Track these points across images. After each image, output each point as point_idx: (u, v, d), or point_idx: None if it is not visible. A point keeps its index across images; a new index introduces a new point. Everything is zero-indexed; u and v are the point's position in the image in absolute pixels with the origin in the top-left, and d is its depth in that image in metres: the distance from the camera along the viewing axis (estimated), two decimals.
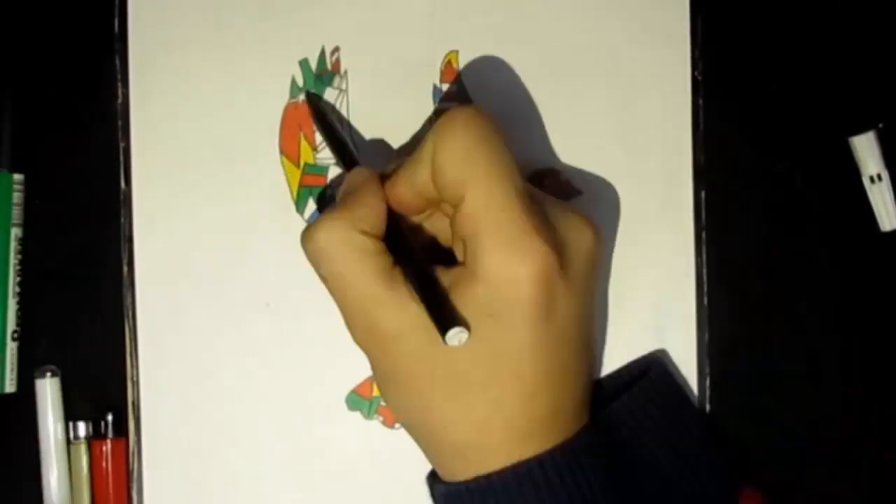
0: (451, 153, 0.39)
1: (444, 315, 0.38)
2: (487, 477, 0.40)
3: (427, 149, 0.40)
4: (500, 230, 0.38)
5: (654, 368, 0.47)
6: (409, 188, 0.41)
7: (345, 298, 0.41)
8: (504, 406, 0.40)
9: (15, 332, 0.47)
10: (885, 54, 0.48)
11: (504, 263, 0.38)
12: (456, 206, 0.40)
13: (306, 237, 0.41)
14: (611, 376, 0.48)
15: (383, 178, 0.42)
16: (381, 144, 0.47)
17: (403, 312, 0.39)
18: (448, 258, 0.42)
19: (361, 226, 0.40)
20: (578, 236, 0.41)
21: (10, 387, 0.47)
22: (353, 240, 0.40)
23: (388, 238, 0.41)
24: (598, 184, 0.48)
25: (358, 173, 0.43)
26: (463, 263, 0.40)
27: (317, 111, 0.46)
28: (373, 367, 0.42)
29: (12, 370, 0.47)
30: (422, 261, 0.40)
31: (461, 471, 0.41)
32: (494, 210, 0.39)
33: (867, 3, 0.48)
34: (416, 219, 0.43)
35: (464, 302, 0.39)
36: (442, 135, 0.40)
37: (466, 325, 0.38)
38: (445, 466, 0.42)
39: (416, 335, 0.40)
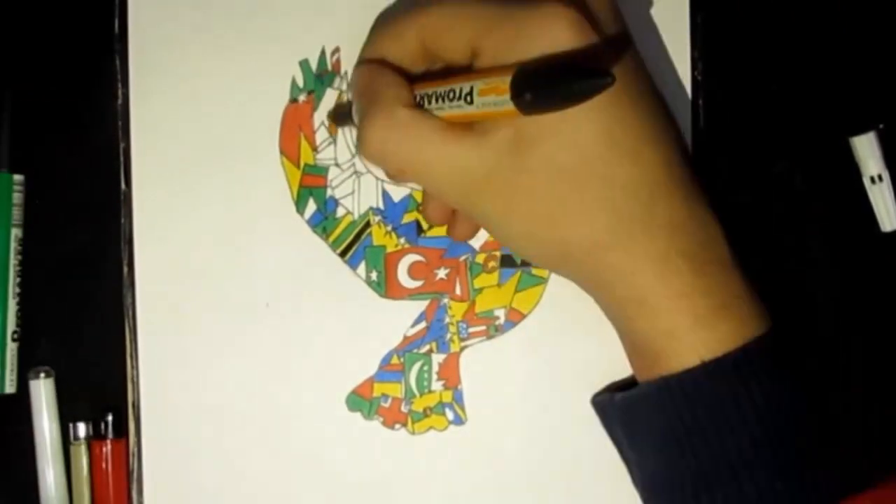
0: (440, 29, 0.41)
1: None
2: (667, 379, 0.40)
3: (409, 34, 0.42)
4: (515, 18, 0.38)
5: None
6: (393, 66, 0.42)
7: (428, 172, 0.41)
8: (614, 177, 0.39)
9: (15, 332, 0.46)
10: (885, 54, 0.48)
11: (537, 42, 0.38)
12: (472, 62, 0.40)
13: (362, 146, 0.41)
14: None
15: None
16: None
17: (482, 146, 0.39)
18: None
19: (399, 102, 0.41)
20: None
21: (9, 387, 0.46)
22: (398, 120, 0.40)
23: None
24: None
25: (360, 70, 0.43)
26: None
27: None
28: (480, 219, 0.42)
29: (12, 371, 0.46)
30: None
31: (613, 276, 0.40)
32: (504, 26, 0.39)
33: (867, 3, 0.48)
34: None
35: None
36: (418, 15, 0.41)
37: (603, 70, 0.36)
38: (597, 275, 0.41)
39: (504, 158, 0.39)
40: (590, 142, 0.39)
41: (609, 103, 0.38)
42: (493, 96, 0.38)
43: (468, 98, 0.39)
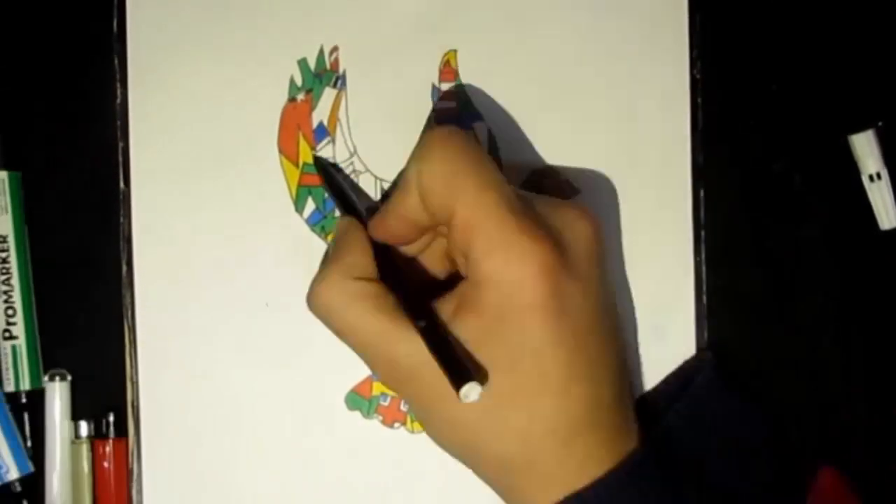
0: (435, 174, 0.40)
1: (455, 370, 0.38)
2: None
3: (411, 176, 0.41)
4: (493, 235, 0.39)
5: (704, 372, 0.46)
6: (399, 219, 0.42)
7: (360, 346, 0.41)
8: (538, 411, 0.39)
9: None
10: (885, 53, 0.48)
11: (504, 266, 0.39)
12: (449, 223, 0.40)
13: (310, 300, 0.42)
14: (656, 389, 0.47)
15: (371, 219, 0.43)
16: (379, 144, 0.47)
17: (417, 345, 0.39)
18: (451, 287, 0.42)
19: (354, 272, 0.41)
20: (575, 227, 0.41)
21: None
22: (349, 289, 0.41)
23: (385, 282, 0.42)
24: (597, 183, 0.48)
25: (341, 222, 0.44)
26: (466, 279, 0.40)
27: (326, 174, 0.47)
28: (409, 406, 0.42)
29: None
30: (424, 307, 0.40)
31: (520, 490, 0.41)
32: (485, 217, 0.39)
33: (867, 3, 0.48)
34: (414, 251, 0.44)
35: (474, 313, 0.39)
36: (422, 158, 0.40)
37: (481, 376, 0.38)
38: (506, 493, 0.42)
39: (434, 363, 0.39)
40: (521, 373, 0.39)
41: (550, 343, 0.39)
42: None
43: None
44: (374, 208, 0.44)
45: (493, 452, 0.40)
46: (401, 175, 0.42)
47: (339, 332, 0.42)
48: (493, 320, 0.39)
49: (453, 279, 0.43)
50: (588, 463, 0.40)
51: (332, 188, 0.46)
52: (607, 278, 0.42)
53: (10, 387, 0.46)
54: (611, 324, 0.42)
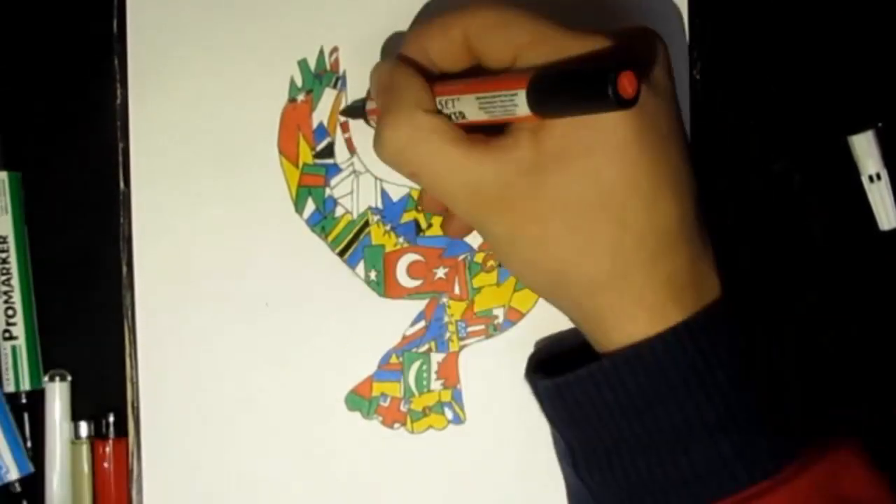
0: (487, 27, 0.40)
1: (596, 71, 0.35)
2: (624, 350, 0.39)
3: (453, 29, 0.40)
4: (564, 43, 0.38)
5: None
6: (425, 61, 0.41)
7: (441, 181, 0.40)
8: (628, 220, 0.38)
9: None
10: (885, 54, 0.48)
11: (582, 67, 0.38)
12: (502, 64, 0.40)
13: (378, 145, 0.40)
14: None
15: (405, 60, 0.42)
16: None
17: (500, 163, 0.39)
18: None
19: (420, 106, 0.40)
20: (646, 39, 0.40)
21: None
22: (421, 124, 0.40)
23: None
24: None
25: (384, 67, 0.42)
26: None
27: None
28: (488, 239, 0.41)
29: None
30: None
31: (608, 308, 0.40)
32: (551, 32, 0.39)
33: (867, 3, 0.48)
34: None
35: (555, 125, 0.38)
36: (467, 12, 0.40)
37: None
38: (593, 315, 0.40)
39: (520, 180, 0.39)
40: (610, 181, 0.38)
41: (637, 147, 0.38)
42: (510, 98, 0.37)
43: (488, 103, 0.39)
44: None
45: (583, 271, 0.39)
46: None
47: (416, 171, 0.40)
48: (577, 125, 0.38)
49: None
50: (673, 284, 0.39)
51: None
52: (675, 88, 0.41)
53: (9, 387, 0.46)
54: (684, 139, 0.41)
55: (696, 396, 0.39)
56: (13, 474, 0.46)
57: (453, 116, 0.40)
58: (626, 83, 0.34)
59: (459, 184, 0.39)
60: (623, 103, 0.34)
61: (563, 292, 0.41)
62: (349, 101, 0.48)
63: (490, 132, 0.39)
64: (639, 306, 0.39)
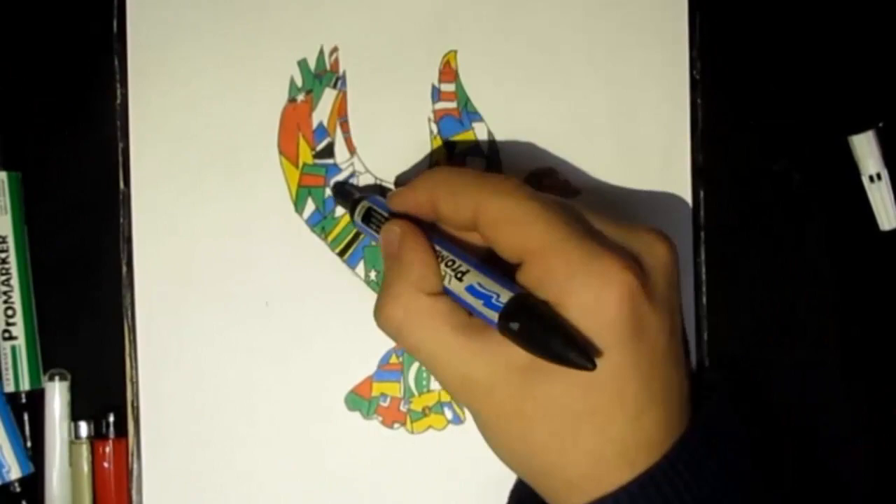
0: (503, 219, 0.39)
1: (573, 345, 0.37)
2: None
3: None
4: (573, 258, 0.38)
5: (713, 401, 0.44)
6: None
7: (434, 363, 0.40)
8: (612, 433, 0.39)
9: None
10: (885, 54, 0.48)
11: (586, 287, 0.38)
12: (525, 260, 0.39)
13: (378, 317, 0.41)
14: None
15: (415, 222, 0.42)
16: (379, 145, 0.47)
17: (493, 359, 0.39)
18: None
19: (424, 288, 0.40)
20: (654, 250, 0.40)
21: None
22: (421, 306, 0.40)
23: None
24: (596, 183, 0.48)
25: (390, 232, 0.42)
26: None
27: (344, 197, 0.47)
28: (475, 420, 0.42)
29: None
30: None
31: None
32: (562, 241, 0.38)
33: (867, 3, 0.48)
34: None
35: None
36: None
37: (591, 354, 0.37)
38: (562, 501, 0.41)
39: (511, 378, 0.39)
40: (597, 396, 0.38)
41: (631, 369, 0.38)
42: (482, 304, 0.38)
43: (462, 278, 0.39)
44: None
45: (562, 473, 0.40)
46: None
47: (412, 350, 0.41)
48: None
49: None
50: (652, 482, 0.39)
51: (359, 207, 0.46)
52: (680, 303, 0.42)
53: (9, 387, 0.46)
54: (682, 350, 0.41)
55: None
56: (14, 473, 0.46)
57: (450, 271, 0.40)
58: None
59: (452, 372, 0.40)
60: (587, 365, 0.36)
61: (541, 483, 0.41)
62: (348, 102, 0.47)
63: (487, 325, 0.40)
64: (612, 492, 0.39)
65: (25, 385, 0.46)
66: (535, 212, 0.39)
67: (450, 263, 0.40)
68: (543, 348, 0.37)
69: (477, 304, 0.39)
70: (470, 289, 0.39)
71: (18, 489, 0.46)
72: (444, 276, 0.40)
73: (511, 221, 0.39)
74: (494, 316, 0.38)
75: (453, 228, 0.42)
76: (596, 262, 0.38)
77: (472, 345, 0.39)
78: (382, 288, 0.41)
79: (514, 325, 0.37)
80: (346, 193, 0.47)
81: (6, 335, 0.46)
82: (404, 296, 0.40)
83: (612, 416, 0.39)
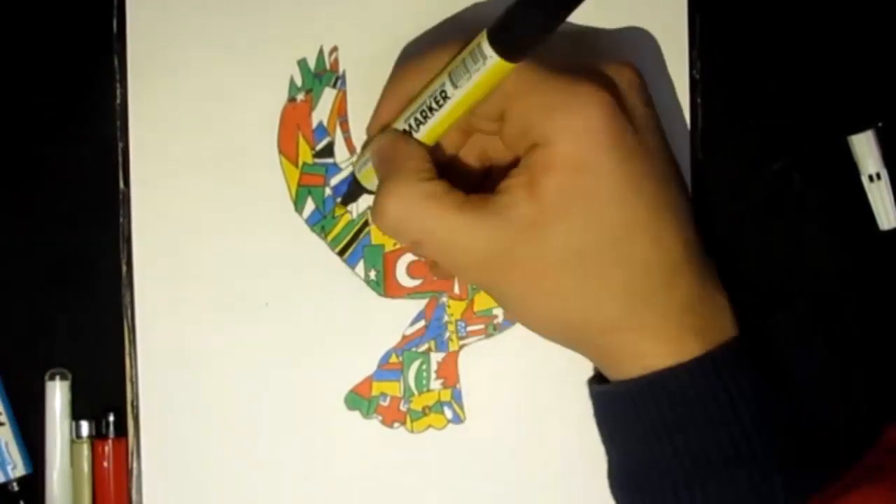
0: None
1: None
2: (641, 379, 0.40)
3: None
4: (549, 94, 0.39)
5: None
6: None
7: (445, 247, 0.40)
8: (636, 260, 0.39)
9: None
10: (885, 54, 0.48)
11: (571, 117, 0.38)
12: (495, 117, 0.40)
13: (377, 215, 0.41)
14: None
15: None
16: None
17: (503, 224, 0.39)
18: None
19: (420, 175, 0.40)
20: (620, 75, 0.41)
21: None
22: (421, 191, 0.40)
23: None
24: None
25: (383, 138, 0.43)
26: (531, 151, 0.40)
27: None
28: (504, 301, 0.42)
29: None
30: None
31: (630, 352, 0.40)
32: (536, 81, 0.39)
33: (867, 3, 0.48)
34: (450, 152, 0.44)
35: (550, 175, 0.39)
36: None
37: None
38: (614, 353, 0.41)
39: (525, 236, 0.39)
40: (611, 224, 0.39)
41: (634, 187, 0.39)
42: (473, 64, 0.38)
43: (447, 93, 0.39)
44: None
45: (599, 315, 0.40)
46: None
47: (419, 240, 0.41)
48: (572, 174, 0.38)
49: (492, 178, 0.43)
50: (687, 311, 0.40)
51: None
52: (660, 122, 0.42)
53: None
54: (676, 168, 0.42)
55: (715, 428, 0.39)
56: (18, 470, 0.46)
57: (429, 112, 0.40)
58: None
59: (463, 248, 0.40)
60: None
61: (581, 336, 0.41)
62: (348, 102, 0.47)
63: (487, 193, 0.40)
64: (657, 340, 0.40)
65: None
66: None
67: (431, 103, 0.41)
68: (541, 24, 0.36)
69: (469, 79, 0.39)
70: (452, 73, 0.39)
71: (17, 488, 0.46)
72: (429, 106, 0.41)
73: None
74: (485, 64, 0.38)
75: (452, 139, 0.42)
76: (571, 89, 0.39)
77: (478, 217, 0.39)
78: (378, 189, 0.41)
79: (507, 36, 0.37)
80: (352, 195, 0.47)
81: None
82: (402, 185, 0.40)
83: (630, 241, 0.39)
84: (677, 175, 0.42)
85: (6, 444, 0.46)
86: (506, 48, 0.37)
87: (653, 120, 0.41)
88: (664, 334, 0.40)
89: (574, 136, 0.38)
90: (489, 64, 0.38)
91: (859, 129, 0.48)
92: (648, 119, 0.41)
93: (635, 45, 0.48)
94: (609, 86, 0.39)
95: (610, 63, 0.41)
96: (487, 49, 0.38)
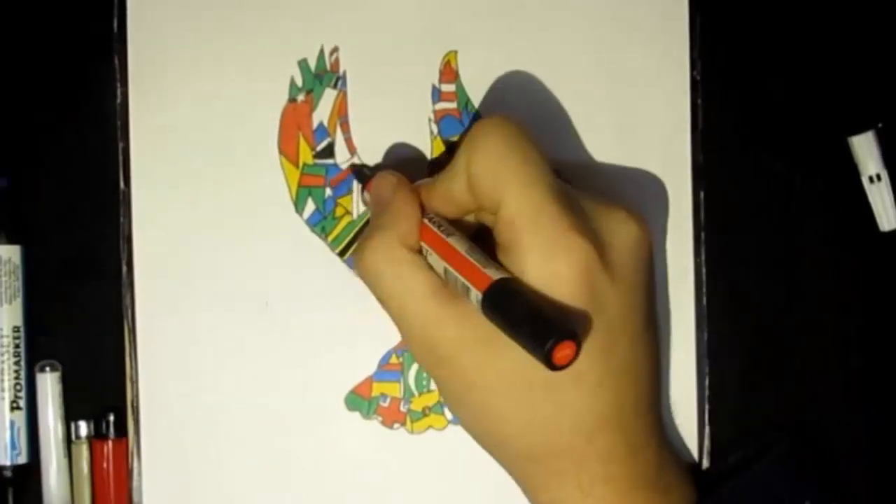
0: (486, 161, 0.40)
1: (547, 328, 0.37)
2: None
3: (461, 160, 0.41)
4: (538, 231, 0.39)
5: (773, 455, 0.45)
6: (446, 201, 0.42)
7: (403, 318, 0.41)
8: (567, 405, 0.40)
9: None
10: (885, 54, 0.48)
11: (544, 262, 0.39)
12: (495, 213, 0.40)
13: (357, 260, 0.42)
14: (719, 462, 0.47)
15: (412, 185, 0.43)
16: (380, 145, 0.47)
17: (463, 327, 0.40)
18: None
19: (407, 242, 0.41)
20: (621, 229, 0.41)
21: None
22: (404, 258, 0.41)
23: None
24: (597, 183, 0.48)
25: (385, 181, 0.43)
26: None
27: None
28: (439, 387, 0.43)
29: None
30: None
31: (539, 483, 0.41)
32: (531, 212, 0.39)
33: (867, 3, 0.48)
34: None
35: None
36: (475, 144, 0.40)
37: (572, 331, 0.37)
38: (528, 483, 0.42)
39: (476, 349, 0.40)
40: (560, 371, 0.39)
41: (589, 339, 0.39)
42: (467, 289, 0.39)
43: (452, 277, 0.40)
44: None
45: (519, 443, 0.41)
46: (452, 157, 0.42)
47: (385, 299, 0.41)
48: None
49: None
50: (610, 461, 0.41)
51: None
52: (652, 286, 0.42)
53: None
54: (649, 333, 0.42)
55: None
56: (22, 458, 0.46)
57: (428, 258, 0.41)
58: (562, 355, 0.36)
59: (420, 332, 0.41)
60: (553, 367, 0.36)
61: (501, 454, 0.42)
62: (349, 102, 0.47)
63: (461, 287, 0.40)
64: (568, 480, 0.41)
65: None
66: (513, 170, 0.40)
67: (441, 227, 0.41)
68: (520, 335, 0.37)
69: (457, 284, 0.39)
70: (448, 272, 0.40)
71: (10, 475, 0.46)
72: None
73: (489, 171, 0.40)
74: (477, 292, 0.38)
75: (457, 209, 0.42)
76: (558, 236, 0.39)
77: (442, 311, 0.40)
78: (367, 234, 0.42)
79: (496, 308, 0.38)
80: (363, 175, 0.47)
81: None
82: (384, 246, 0.41)
83: (568, 388, 0.39)
84: (641, 335, 0.41)
85: (18, 429, 0.46)
86: (488, 314, 0.38)
87: (637, 279, 0.41)
88: (575, 477, 0.41)
89: (539, 281, 0.39)
90: (472, 300, 0.39)
91: (860, 129, 0.48)
92: (630, 278, 0.40)
93: (636, 45, 0.48)
94: (596, 237, 0.39)
95: (618, 211, 0.41)
96: (475, 297, 0.39)
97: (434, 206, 0.42)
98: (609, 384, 0.40)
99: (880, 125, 0.48)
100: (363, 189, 0.46)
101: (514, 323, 0.37)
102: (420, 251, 0.42)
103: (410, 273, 0.41)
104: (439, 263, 0.41)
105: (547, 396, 0.40)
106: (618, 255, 0.40)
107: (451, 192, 0.41)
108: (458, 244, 0.40)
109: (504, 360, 0.39)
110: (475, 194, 0.41)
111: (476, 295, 0.38)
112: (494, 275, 0.38)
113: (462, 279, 0.39)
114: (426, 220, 0.42)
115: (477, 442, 0.43)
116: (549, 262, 0.39)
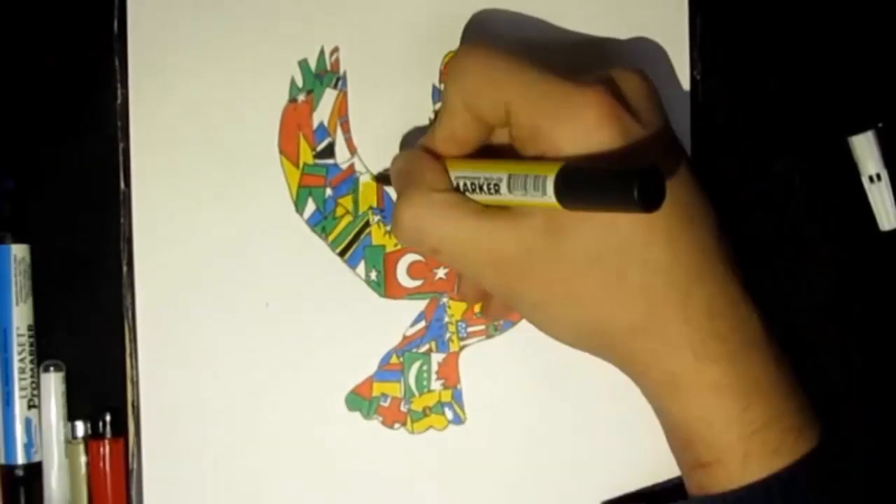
0: (476, 82, 0.40)
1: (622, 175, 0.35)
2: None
3: (453, 98, 0.41)
4: (554, 105, 0.39)
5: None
6: (452, 142, 0.42)
7: (463, 254, 0.41)
8: (652, 263, 0.39)
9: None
10: (885, 54, 0.49)
11: (574, 125, 0.39)
12: (505, 124, 0.40)
13: (395, 226, 0.42)
14: None
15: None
16: (380, 145, 0.47)
17: (519, 230, 0.39)
18: None
19: (434, 186, 0.41)
20: (626, 79, 0.41)
21: None
22: (434, 201, 0.41)
23: None
24: None
25: (401, 155, 0.44)
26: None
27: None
28: (522, 307, 0.42)
29: None
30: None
31: (649, 358, 0.40)
32: (539, 96, 0.39)
33: (867, 3, 0.48)
34: None
35: None
36: (458, 76, 0.41)
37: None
38: (634, 363, 0.41)
39: (542, 242, 0.39)
40: (627, 228, 0.39)
41: None
42: (532, 189, 0.38)
43: (500, 188, 0.39)
44: None
45: (619, 320, 0.40)
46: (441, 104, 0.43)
47: (437, 248, 0.41)
48: None
49: None
50: (713, 316, 0.40)
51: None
52: (668, 121, 0.42)
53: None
54: (693, 179, 0.42)
55: None
56: (38, 456, 0.46)
57: (477, 189, 0.41)
58: (651, 192, 0.34)
59: (481, 254, 0.40)
60: (650, 207, 0.34)
61: (603, 342, 0.41)
62: (349, 102, 0.47)
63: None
64: (679, 346, 0.40)
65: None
66: (505, 64, 0.40)
67: (482, 183, 0.41)
68: (608, 195, 0.35)
69: (526, 189, 0.38)
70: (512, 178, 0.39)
71: (22, 473, 0.46)
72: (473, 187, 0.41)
73: (487, 84, 0.40)
74: (543, 197, 0.37)
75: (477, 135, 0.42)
76: (574, 94, 0.39)
77: (495, 223, 0.40)
78: (396, 201, 0.42)
79: (573, 197, 0.37)
80: (386, 178, 0.47)
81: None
82: (417, 196, 0.41)
83: (646, 245, 0.39)
84: (692, 177, 0.41)
85: (35, 426, 0.46)
86: (567, 201, 0.37)
87: (661, 121, 0.41)
88: (686, 339, 0.40)
89: (578, 140, 0.39)
90: (544, 199, 0.38)
91: (860, 129, 0.48)
92: (657, 121, 0.41)
93: (636, 45, 0.48)
94: (612, 88, 0.40)
95: (617, 69, 0.42)
96: (550, 188, 0.37)
97: (444, 150, 0.43)
98: (683, 231, 0.39)
99: (880, 125, 0.48)
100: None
101: (595, 188, 0.36)
102: (450, 188, 0.42)
103: (450, 210, 0.41)
104: (484, 191, 0.40)
105: (629, 261, 0.39)
106: (633, 99, 0.40)
107: (454, 132, 0.42)
108: (495, 163, 0.40)
109: (572, 243, 0.39)
110: (479, 117, 0.41)
111: (545, 187, 0.37)
112: (547, 165, 0.38)
113: (524, 178, 0.38)
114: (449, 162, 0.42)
115: (575, 345, 0.42)
116: (577, 121, 0.38)
